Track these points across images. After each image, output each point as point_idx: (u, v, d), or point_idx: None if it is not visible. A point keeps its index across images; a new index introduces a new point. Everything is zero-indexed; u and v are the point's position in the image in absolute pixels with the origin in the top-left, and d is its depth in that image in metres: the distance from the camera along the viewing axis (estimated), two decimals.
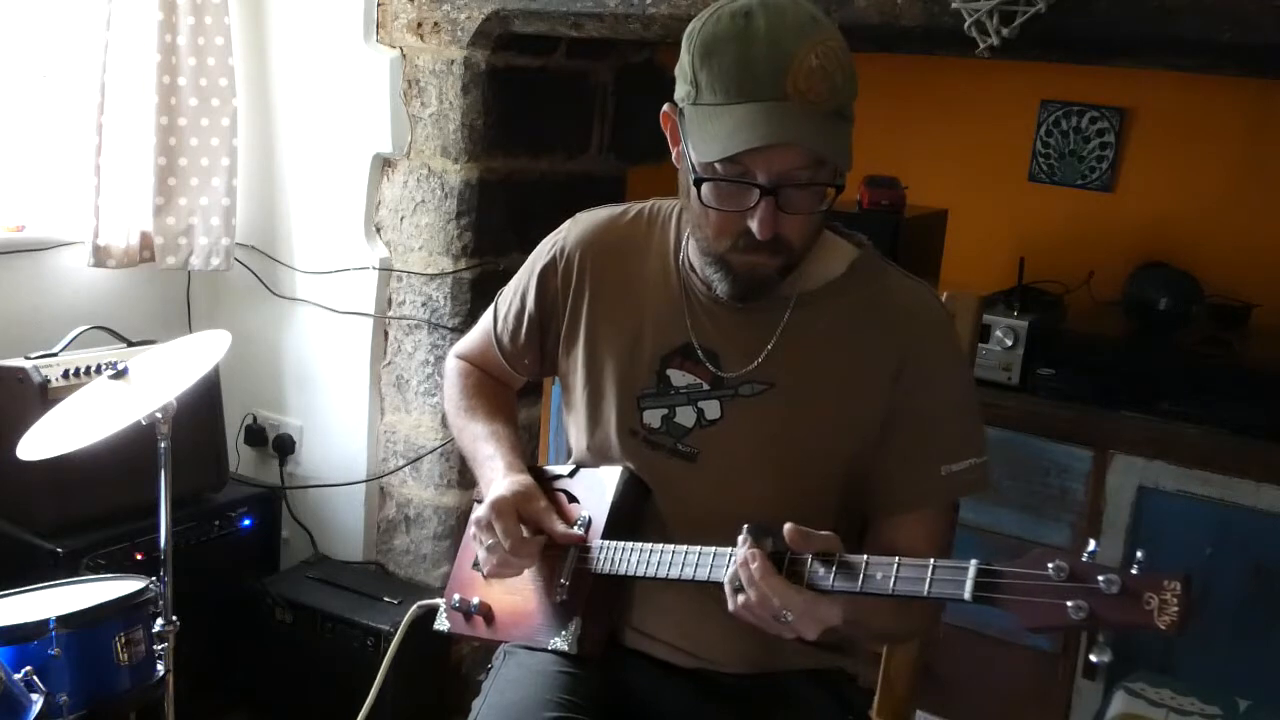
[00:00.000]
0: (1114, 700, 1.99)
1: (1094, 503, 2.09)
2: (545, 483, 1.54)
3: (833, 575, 1.17)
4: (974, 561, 1.09)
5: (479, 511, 1.45)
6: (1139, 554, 1.01)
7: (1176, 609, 0.97)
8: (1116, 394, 2.15)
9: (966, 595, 1.08)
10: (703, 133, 1.26)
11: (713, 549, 1.31)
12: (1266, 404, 2.02)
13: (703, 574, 1.31)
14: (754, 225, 1.26)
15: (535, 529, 1.44)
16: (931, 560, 1.11)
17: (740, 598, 1.21)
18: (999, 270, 2.46)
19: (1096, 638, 1.03)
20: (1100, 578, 1.00)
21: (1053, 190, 2.60)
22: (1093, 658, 1.04)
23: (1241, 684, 1.98)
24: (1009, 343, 2.22)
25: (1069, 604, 1.01)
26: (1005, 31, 1.83)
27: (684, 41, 1.30)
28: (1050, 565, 1.03)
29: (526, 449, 2.77)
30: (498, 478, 1.50)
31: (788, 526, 1.19)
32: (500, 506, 1.42)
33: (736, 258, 1.32)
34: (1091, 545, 1.04)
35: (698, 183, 1.28)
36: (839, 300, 1.41)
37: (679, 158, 1.37)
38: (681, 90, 1.30)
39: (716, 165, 1.26)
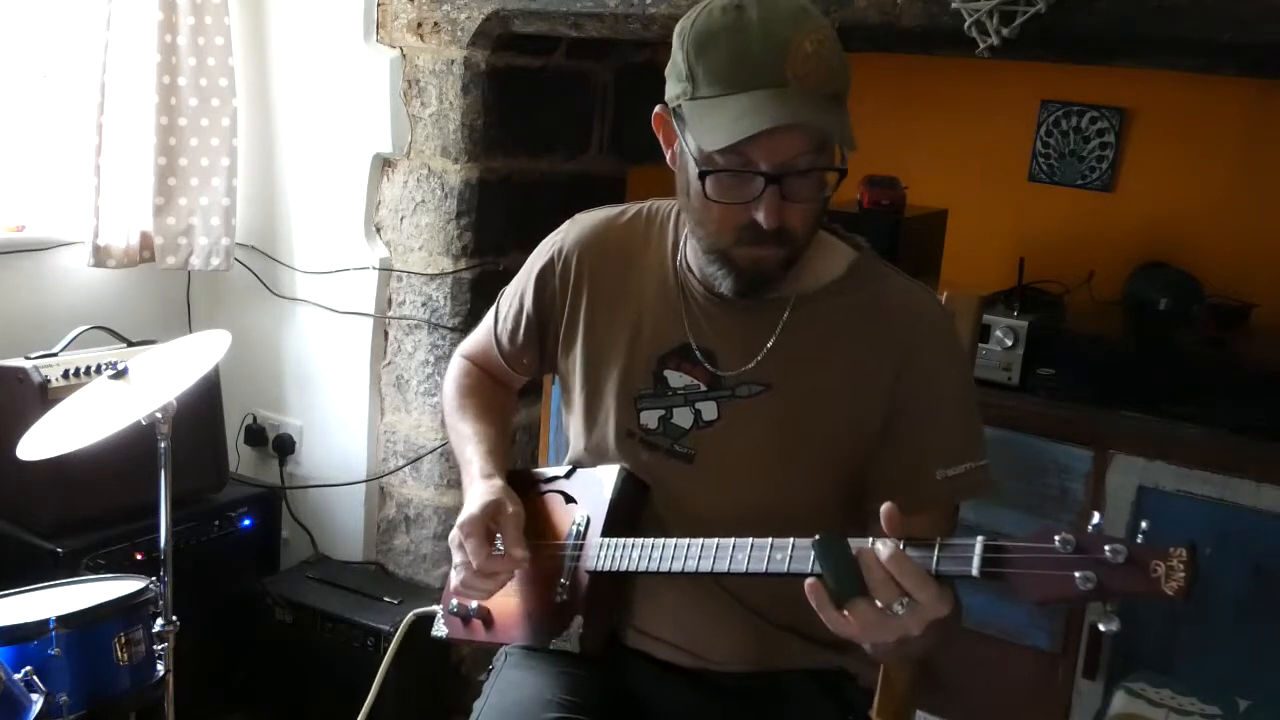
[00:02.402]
0: (1114, 700, 1.99)
1: (1094, 503, 2.09)
2: (542, 484, 1.55)
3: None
4: (980, 538, 1.08)
5: (453, 532, 1.44)
6: (1143, 524, 1.01)
7: (1183, 575, 0.97)
8: (1116, 394, 2.15)
9: (974, 571, 1.07)
10: (704, 125, 1.25)
11: (714, 540, 1.30)
12: (1266, 404, 2.02)
13: (705, 566, 1.30)
14: (760, 216, 1.26)
15: (507, 542, 1.43)
16: (937, 538, 1.10)
17: (862, 605, 1.11)
18: (999, 270, 2.46)
19: (1105, 607, 1.03)
20: (1106, 548, 0.99)
21: (1053, 190, 2.60)
22: (1101, 626, 1.04)
23: (1241, 684, 1.98)
24: (1009, 343, 2.22)
25: (1076, 575, 1.00)
26: (1005, 31, 1.83)
27: (675, 40, 1.30)
28: (1056, 538, 1.02)
29: (525, 449, 2.79)
30: (472, 488, 1.50)
31: (887, 506, 1.11)
32: (468, 527, 1.41)
33: (740, 251, 1.32)
34: (1096, 518, 1.03)
35: (702, 176, 1.27)
36: (837, 302, 1.41)
37: (673, 159, 1.37)
38: (676, 88, 1.30)
39: (718, 158, 1.25)
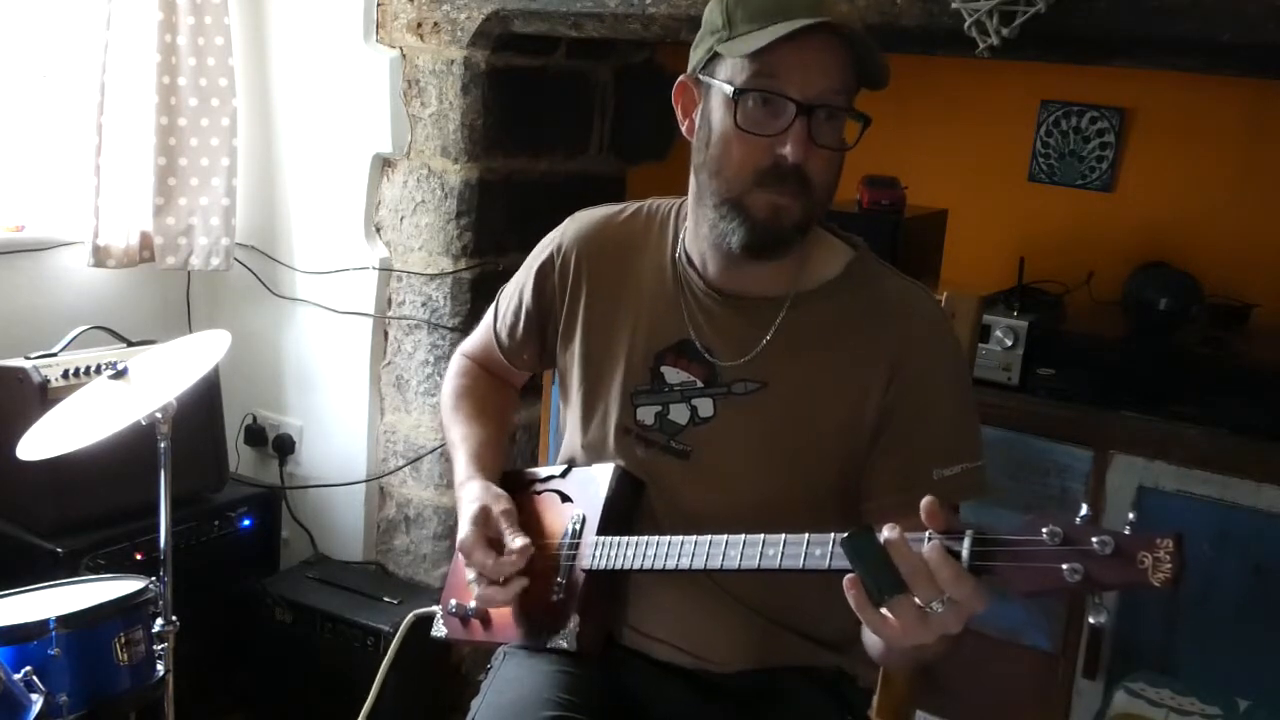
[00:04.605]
0: (1114, 700, 1.99)
1: (1094, 503, 2.08)
2: (538, 483, 1.55)
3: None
4: (969, 530, 1.07)
5: (456, 555, 1.47)
6: (1131, 515, 1.01)
7: (1170, 566, 0.96)
8: (1116, 394, 2.15)
9: (964, 564, 1.05)
10: (744, 45, 1.27)
11: (708, 538, 1.30)
12: (1266, 404, 2.02)
13: (699, 563, 1.30)
14: (786, 149, 1.27)
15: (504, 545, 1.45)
16: (928, 531, 1.07)
17: (903, 603, 1.07)
18: (999, 270, 2.46)
19: (1095, 599, 1.02)
20: (1094, 539, 0.99)
21: (1053, 190, 2.59)
22: (1091, 619, 1.04)
23: (1241, 684, 1.97)
24: (1009, 343, 2.21)
25: (1064, 567, 1.00)
26: (1005, 31, 1.83)
27: (711, 4, 1.34)
28: (1044, 530, 1.01)
29: (525, 449, 2.79)
30: (459, 498, 1.52)
31: (928, 500, 1.08)
32: (466, 546, 1.44)
33: (758, 197, 1.31)
34: (1084, 510, 1.02)
35: (736, 97, 1.28)
36: (834, 301, 1.41)
37: (690, 128, 1.38)
38: (707, 43, 1.33)
39: (750, 85, 1.27)
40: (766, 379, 1.40)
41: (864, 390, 1.37)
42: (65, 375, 2.27)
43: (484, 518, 1.46)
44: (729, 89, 1.29)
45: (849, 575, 1.09)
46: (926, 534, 1.07)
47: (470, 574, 1.45)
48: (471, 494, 1.50)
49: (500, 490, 1.51)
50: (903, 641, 1.09)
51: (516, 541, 1.43)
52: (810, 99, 1.27)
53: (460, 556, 1.50)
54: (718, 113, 1.32)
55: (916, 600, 1.06)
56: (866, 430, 1.37)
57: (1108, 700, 2.02)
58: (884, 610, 1.08)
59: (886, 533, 1.08)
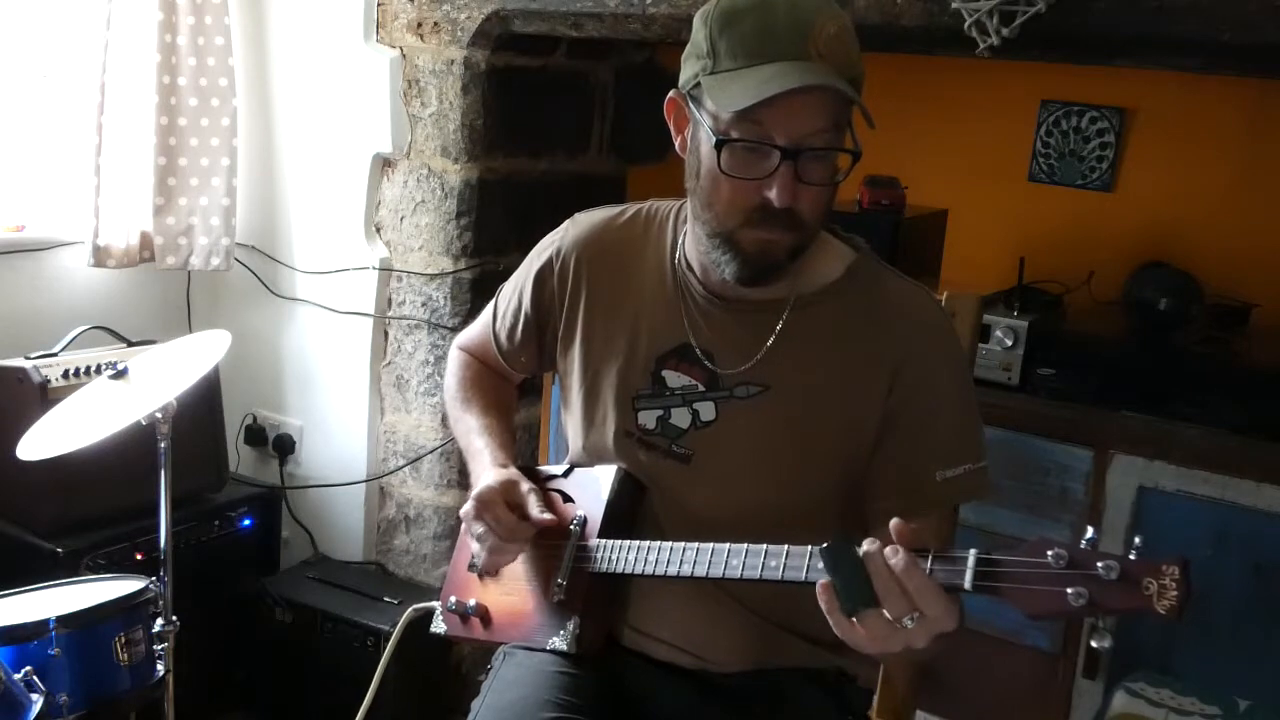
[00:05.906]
0: (1114, 700, 1.99)
1: (1094, 503, 2.09)
2: (540, 483, 1.55)
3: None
4: (973, 551, 1.07)
5: (466, 505, 1.45)
6: (1137, 540, 1.01)
7: (1175, 593, 0.96)
8: (1116, 394, 2.15)
9: (967, 585, 1.06)
10: (725, 92, 1.25)
11: (710, 545, 1.30)
12: (1266, 404, 2.02)
13: (700, 570, 1.30)
14: (772, 193, 1.25)
15: (522, 515, 1.44)
16: (930, 550, 1.09)
17: (872, 616, 1.09)
18: (999, 270, 2.46)
19: (1097, 624, 1.02)
20: (1099, 564, 0.99)
21: (1053, 190, 2.59)
22: (1094, 644, 1.03)
23: (1241, 684, 1.97)
24: (1009, 343, 2.21)
25: (1069, 591, 1.00)
26: (1005, 31, 1.83)
27: (698, 19, 1.30)
28: (1050, 553, 1.01)
29: (525, 449, 2.79)
30: (484, 472, 1.51)
31: (896, 522, 1.09)
32: (486, 496, 1.43)
33: (748, 234, 1.30)
34: (1090, 533, 1.03)
35: (718, 146, 1.26)
36: (836, 303, 1.40)
37: (683, 145, 1.37)
38: (694, 67, 1.30)
39: (735, 129, 1.25)
40: (769, 382, 1.39)
41: (866, 393, 1.37)
42: (65, 375, 2.27)
43: (511, 487, 1.46)
44: (708, 142, 1.28)
45: (822, 581, 1.11)
46: (930, 554, 1.08)
47: (479, 528, 1.44)
48: (510, 472, 1.50)
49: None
50: (868, 649, 1.11)
51: (545, 517, 1.43)
52: (796, 142, 1.24)
53: (463, 546, 1.50)
54: (704, 147, 1.30)
55: (886, 614, 1.08)
56: (869, 433, 1.37)
57: (1108, 700, 2.02)
58: (853, 619, 1.09)
59: (866, 545, 1.09)
